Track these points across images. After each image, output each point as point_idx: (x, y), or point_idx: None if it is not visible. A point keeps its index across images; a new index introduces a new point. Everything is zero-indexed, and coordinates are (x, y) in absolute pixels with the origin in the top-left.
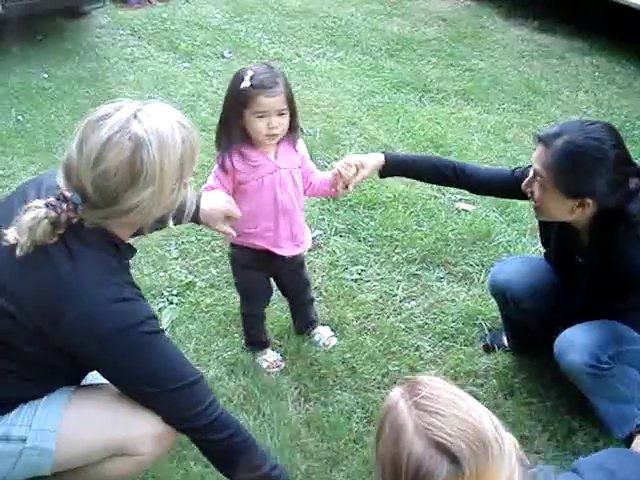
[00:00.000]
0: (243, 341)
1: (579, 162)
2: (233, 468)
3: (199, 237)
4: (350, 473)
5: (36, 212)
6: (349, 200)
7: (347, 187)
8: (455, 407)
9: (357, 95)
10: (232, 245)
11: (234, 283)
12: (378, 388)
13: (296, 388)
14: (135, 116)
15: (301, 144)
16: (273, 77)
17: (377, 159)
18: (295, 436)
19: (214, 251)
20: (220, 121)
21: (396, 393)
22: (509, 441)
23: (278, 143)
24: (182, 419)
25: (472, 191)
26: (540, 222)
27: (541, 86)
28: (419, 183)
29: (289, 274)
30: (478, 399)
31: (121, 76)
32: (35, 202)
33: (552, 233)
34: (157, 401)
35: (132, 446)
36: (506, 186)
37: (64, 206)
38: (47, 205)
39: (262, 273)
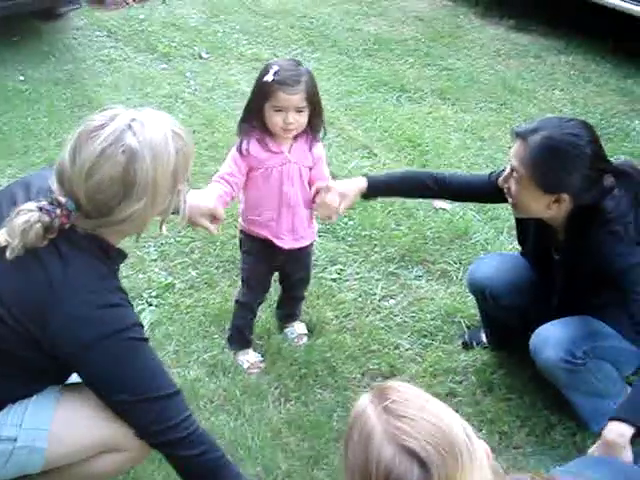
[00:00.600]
0: (224, 341)
1: (556, 157)
2: None
3: (178, 239)
4: (331, 472)
5: (29, 216)
6: None
7: (330, 217)
8: (425, 412)
9: (335, 95)
10: (241, 231)
11: (240, 269)
12: (358, 387)
13: (276, 388)
14: (130, 127)
15: (320, 147)
16: (297, 75)
17: (358, 186)
18: (276, 436)
19: (193, 252)
20: (245, 108)
21: (364, 399)
22: (481, 449)
23: (295, 138)
24: (156, 432)
25: (453, 199)
26: (517, 220)
27: (517, 85)
28: None
29: (293, 269)
30: (457, 396)
31: (98, 78)
32: (27, 205)
33: (529, 230)
34: (133, 410)
35: (122, 441)
36: (484, 192)
37: (58, 211)
38: (40, 209)
39: (265, 264)
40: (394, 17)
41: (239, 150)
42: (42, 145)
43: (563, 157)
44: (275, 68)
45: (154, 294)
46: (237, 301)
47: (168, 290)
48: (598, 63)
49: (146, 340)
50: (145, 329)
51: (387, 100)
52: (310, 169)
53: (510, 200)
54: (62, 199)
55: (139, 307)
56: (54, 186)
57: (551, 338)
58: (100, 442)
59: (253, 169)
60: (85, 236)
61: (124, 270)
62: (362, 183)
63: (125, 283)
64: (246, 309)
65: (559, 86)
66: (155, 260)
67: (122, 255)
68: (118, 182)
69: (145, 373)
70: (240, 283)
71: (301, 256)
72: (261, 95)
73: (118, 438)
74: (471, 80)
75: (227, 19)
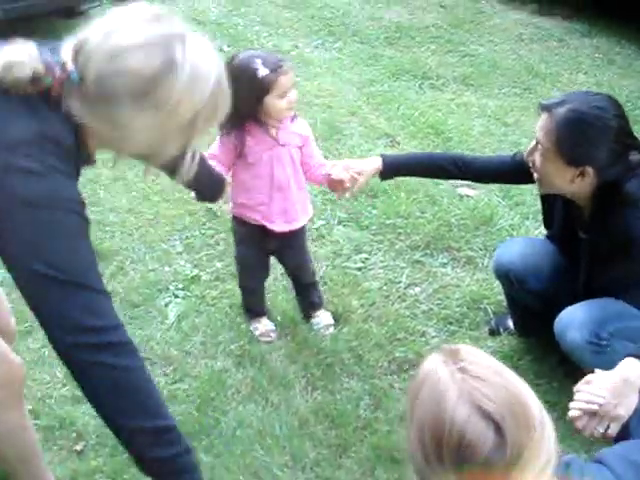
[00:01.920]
0: (250, 332)
1: (581, 130)
2: (117, 407)
3: (203, 231)
4: (359, 460)
5: (26, 55)
6: None
7: (346, 193)
8: (502, 377)
9: (356, 84)
10: (233, 217)
11: (234, 256)
12: (385, 375)
13: (303, 377)
14: (183, 39)
15: (305, 126)
16: (276, 56)
17: (374, 165)
18: (303, 425)
19: (218, 244)
20: (232, 114)
21: (435, 359)
22: (550, 428)
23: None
24: (81, 327)
25: (475, 180)
26: (543, 202)
27: (541, 69)
28: None
29: (286, 254)
30: None
31: None
32: (30, 45)
33: (555, 211)
34: (55, 292)
35: None
36: (508, 172)
37: (57, 71)
38: (42, 59)
39: (256, 249)
40: (415, 4)
41: (225, 135)
42: None
43: (588, 129)
44: (259, 61)
45: (180, 286)
46: (240, 285)
47: (194, 282)
48: (622, 46)
49: (88, 225)
50: (172, 322)
51: (409, 88)
52: (300, 148)
53: (535, 174)
54: (69, 65)
55: (166, 299)
56: (66, 53)
57: (576, 320)
58: None
59: (242, 155)
60: (66, 115)
61: (150, 263)
62: (377, 162)
63: (151, 276)
64: (249, 291)
65: (583, 69)
66: (180, 253)
67: (90, 159)
68: (140, 80)
69: (79, 256)
70: (237, 269)
71: (294, 240)
72: (259, 91)
73: None
74: (494, 66)
75: (247, 11)
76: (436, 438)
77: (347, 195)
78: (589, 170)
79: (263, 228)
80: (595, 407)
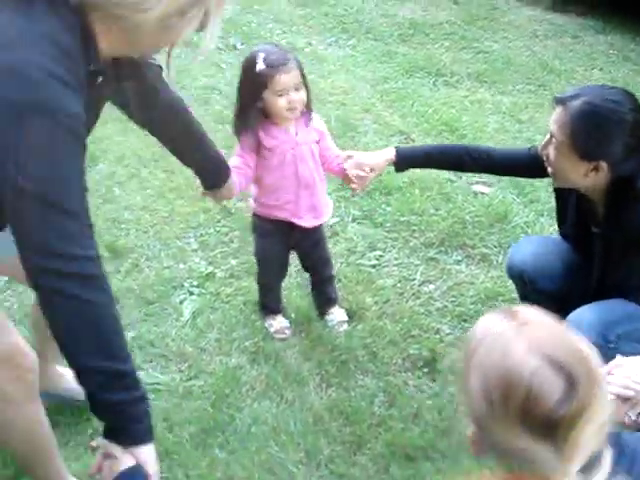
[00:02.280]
0: (265, 329)
1: (596, 123)
2: (75, 342)
3: (217, 228)
4: (373, 456)
5: None
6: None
7: (359, 187)
8: (566, 332)
9: (370, 82)
10: (254, 214)
11: (254, 252)
12: (399, 372)
13: (318, 374)
14: None
15: (320, 121)
16: (284, 55)
17: (387, 157)
18: (318, 421)
19: (232, 242)
20: (237, 108)
21: (493, 318)
22: (607, 391)
23: (296, 119)
24: (50, 251)
25: (489, 172)
26: (557, 198)
27: (555, 66)
28: None
29: (309, 248)
30: None
31: None
32: None
33: (569, 207)
34: (33, 210)
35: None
36: (523, 165)
37: None
38: None
39: (280, 245)
40: (428, 1)
41: (244, 146)
42: None
43: (603, 123)
44: (262, 55)
45: (195, 283)
46: (258, 282)
47: (209, 279)
48: (637, 42)
49: (82, 146)
50: (187, 319)
51: (423, 85)
52: (317, 142)
53: (549, 168)
54: None
55: (181, 296)
56: None
57: (584, 322)
58: None
59: (265, 158)
60: (74, 8)
61: (165, 260)
62: (390, 154)
63: (166, 273)
64: (267, 287)
65: (598, 66)
66: (195, 250)
67: (102, 69)
68: None
69: (63, 176)
70: (256, 265)
71: (317, 234)
72: (257, 86)
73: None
74: (508, 62)
75: (261, 9)
76: (503, 389)
77: (359, 191)
78: (603, 165)
79: (289, 224)
80: (632, 393)
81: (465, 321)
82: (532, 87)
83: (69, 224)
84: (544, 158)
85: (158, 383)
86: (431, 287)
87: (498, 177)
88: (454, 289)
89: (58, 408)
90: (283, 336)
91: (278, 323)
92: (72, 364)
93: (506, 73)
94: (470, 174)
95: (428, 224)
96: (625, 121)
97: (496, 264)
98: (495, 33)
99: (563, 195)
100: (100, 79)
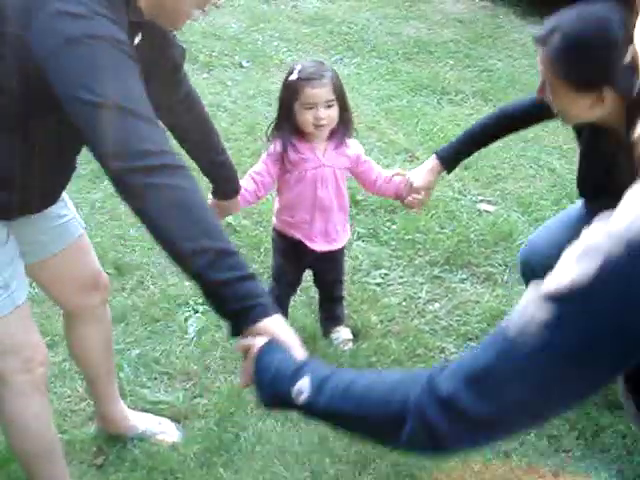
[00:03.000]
0: None
1: (581, 53)
2: (175, 228)
3: None
4: (378, 476)
5: None
6: (370, 204)
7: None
8: None
9: (375, 100)
10: (274, 229)
11: (270, 264)
12: None
13: None
14: None
15: (356, 144)
16: (320, 70)
17: (435, 171)
18: (323, 441)
19: None
20: (278, 113)
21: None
22: None
23: (329, 139)
24: (130, 152)
25: (524, 129)
26: (580, 159)
27: None
28: (438, 185)
29: (324, 270)
30: None
31: None
32: None
33: (592, 160)
34: (104, 117)
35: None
36: (544, 110)
37: None
38: None
39: (294, 265)
40: (433, 20)
41: (271, 154)
42: (88, 157)
43: (586, 52)
44: (299, 67)
45: (200, 301)
46: (269, 291)
47: None
48: None
49: (136, 65)
50: (192, 337)
51: (428, 103)
52: (348, 170)
53: (554, 110)
54: None
55: (185, 314)
56: None
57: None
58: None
59: (286, 172)
60: None
61: (170, 278)
62: (436, 166)
63: (171, 290)
64: (277, 302)
65: None
66: None
67: (140, 15)
68: None
69: (127, 85)
70: (271, 278)
71: (333, 257)
72: (289, 95)
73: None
74: (512, 81)
75: (266, 27)
76: None
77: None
78: (606, 92)
79: (302, 245)
80: None
81: (471, 340)
82: None
83: (140, 125)
84: (548, 102)
85: (162, 401)
86: (436, 306)
87: (502, 196)
88: (459, 308)
89: (60, 426)
90: None
91: None
92: (175, 254)
93: (510, 91)
94: (475, 192)
95: (433, 242)
96: (612, 40)
97: (501, 282)
98: (499, 52)
99: (589, 152)
100: (137, 39)
